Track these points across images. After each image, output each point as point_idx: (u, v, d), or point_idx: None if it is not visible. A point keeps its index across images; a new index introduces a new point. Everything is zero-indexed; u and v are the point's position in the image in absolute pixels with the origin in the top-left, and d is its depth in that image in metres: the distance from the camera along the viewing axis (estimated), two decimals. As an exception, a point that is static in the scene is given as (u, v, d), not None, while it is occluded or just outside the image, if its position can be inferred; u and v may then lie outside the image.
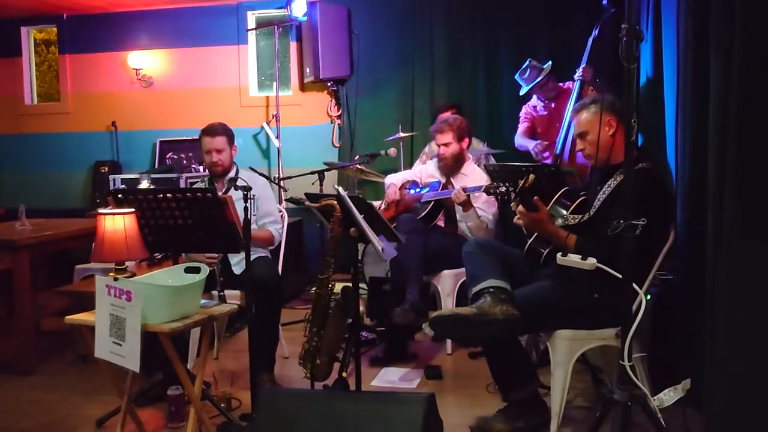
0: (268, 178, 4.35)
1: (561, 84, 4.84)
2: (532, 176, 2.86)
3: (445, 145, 4.24)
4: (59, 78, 7.20)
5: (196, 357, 3.61)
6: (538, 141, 4.83)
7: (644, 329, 2.81)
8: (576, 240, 2.80)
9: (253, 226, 3.87)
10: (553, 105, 4.86)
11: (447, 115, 4.82)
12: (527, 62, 4.81)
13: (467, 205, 4.02)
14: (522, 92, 4.91)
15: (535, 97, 4.98)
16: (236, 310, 3.12)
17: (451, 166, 4.28)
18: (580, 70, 4.51)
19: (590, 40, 4.51)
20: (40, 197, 6.89)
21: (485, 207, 4.19)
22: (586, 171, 4.30)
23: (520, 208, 2.93)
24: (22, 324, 4.01)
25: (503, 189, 3.10)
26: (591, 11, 4.66)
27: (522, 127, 5.08)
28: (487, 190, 3.47)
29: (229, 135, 3.96)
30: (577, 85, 4.55)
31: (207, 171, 4.06)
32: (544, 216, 2.88)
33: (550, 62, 4.80)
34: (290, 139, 6.41)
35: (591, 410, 3.23)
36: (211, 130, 3.93)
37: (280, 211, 4.15)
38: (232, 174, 3.94)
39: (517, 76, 4.89)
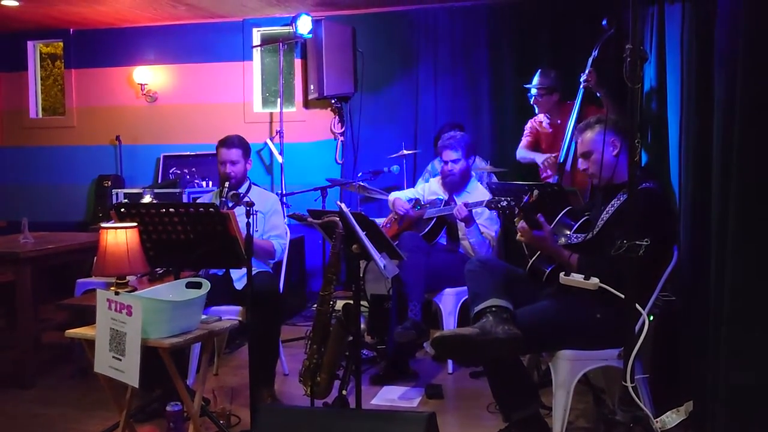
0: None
1: (567, 102, 4.82)
2: (536, 192, 2.86)
3: (453, 161, 4.25)
4: (64, 92, 7.24)
5: (195, 373, 3.60)
6: (549, 155, 4.80)
7: (647, 350, 2.80)
8: (578, 259, 2.80)
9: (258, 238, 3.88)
10: (558, 122, 4.85)
11: (452, 132, 4.82)
12: (539, 69, 4.83)
13: (469, 221, 4.03)
14: (530, 91, 4.88)
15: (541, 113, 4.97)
16: (237, 325, 3.11)
17: (458, 183, 4.28)
18: (585, 74, 4.49)
19: (590, 60, 4.52)
20: (43, 210, 6.90)
21: (488, 224, 4.19)
22: (586, 187, 4.29)
23: (523, 224, 2.93)
24: (23, 337, 4.00)
25: (504, 204, 3.09)
26: (594, 31, 4.68)
27: (525, 141, 5.07)
28: (489, 205, 3.47)
29: (245, 148, 4.00)
30: (580, 92, 4.52)
31: (219, 183, 4.06)
32: (546, 234, 2.87)
33: (553, 81, 4.80)
34: (293, 155, 6.42)
35: (592, 431, 3.21)
36: (227, 142, 3.97)
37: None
38: (243, 188, 3.95)
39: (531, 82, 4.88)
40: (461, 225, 4.15)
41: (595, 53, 4.46)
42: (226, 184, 3.83)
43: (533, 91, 4.81)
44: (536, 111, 4.91)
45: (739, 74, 2.28)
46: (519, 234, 2.98)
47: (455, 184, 4.30)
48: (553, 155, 4.71)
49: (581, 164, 3.07)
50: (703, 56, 2.76)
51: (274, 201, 4.12)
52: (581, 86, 4.47)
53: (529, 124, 5.08)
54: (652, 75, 3.77)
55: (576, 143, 3.21)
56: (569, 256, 2.82)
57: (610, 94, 4.22)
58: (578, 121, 4.25)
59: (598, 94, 4.37)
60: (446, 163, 4.29)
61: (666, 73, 3.47)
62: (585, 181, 4.19)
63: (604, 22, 4.36)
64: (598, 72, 4.38)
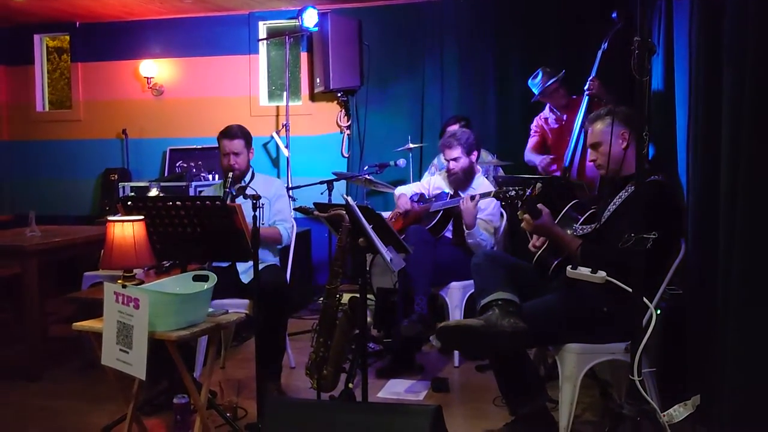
0: None
1: (572, 96, 4.81)
2: (539, 185, 2.85)
3: (454, 160, 4.23)
4: (71, 85, 7.25)
5: (202, 366, 3.60)
6: (545, 156, 4.81)
7: (654, 344, 2.79)
8: (581, 247, 2.78)
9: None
10: (564, 117, 4.84)
11: (454, 128, 4.82)
12: (540, 70, 4.79)
13: (471, 225, 3.99)
14: (534, 98, 4.89)
15: (547, 108, 4.95)
16: (244, 319, 3.11)
17: (462, 181, 4.27)
18: (589, 83, 4.50)
19: (599, 53, 4.50)
20: (50, 204, 6.93)
21: (490, 219, 4.17)
22: (594, 184, 4.28)
23: (527, 216, 2.92)
24: (30, 330, 4.01)
25: (512, 193, 3.08)
26: (601, 24, 4.66)
27: (532, 141, 5.06)
28: (496, 195, 3.47)
29: (247, 138, 3.94)
30: (585, 99, 4.53)
31: (222, 174, 4.02)
32: (547, 220, 2.87)
33: (563, 71, 4.78)
34: (299, 148, 6.42)
35: (599, 425, 3.20)
36: (229, 133, 3.90)
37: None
38: (247, 178, 3.93)
39: (529, 82, 4.86)
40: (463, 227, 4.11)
41: (604, 46, 4.45)
42: (230, 175, 3.77)
43: (541, 90, 4.79)
44: (555, 112, 4.90)
45: (747, 67, 2.27)
46: (523, 222, 2.97)
47: (459, 182, 4.29)
48: (549, 157, 4.73)
49: (590, 155, 3.05)
50: (711, 49, 2.74)
51: (278, 186, 4.10)
52: (585, 94, 4.47)
53: (535, 122, 5.07)
54: (660, 68, 3.75)
55: (585, 134, 3.20)
56: (577, 245, 2.82)
57: (617, 100, 4.22)
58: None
59: (604, 101, 4.36)
60: (448, 161, 4.28)
61: (674, 65, 3.45)
62: (594, 178, 4.20)
63: (613, 15, 4.34)
64: (602, 79, 4.38)
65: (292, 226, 4.06)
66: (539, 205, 2.88)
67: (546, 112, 4.99)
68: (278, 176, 6.53)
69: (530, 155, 5.02)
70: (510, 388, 3.06)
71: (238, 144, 3.88)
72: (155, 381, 3.43)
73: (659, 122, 3.72)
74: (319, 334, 2.95)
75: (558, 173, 4.71)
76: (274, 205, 3.97)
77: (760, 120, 2.23)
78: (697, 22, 2.93)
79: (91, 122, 7.12)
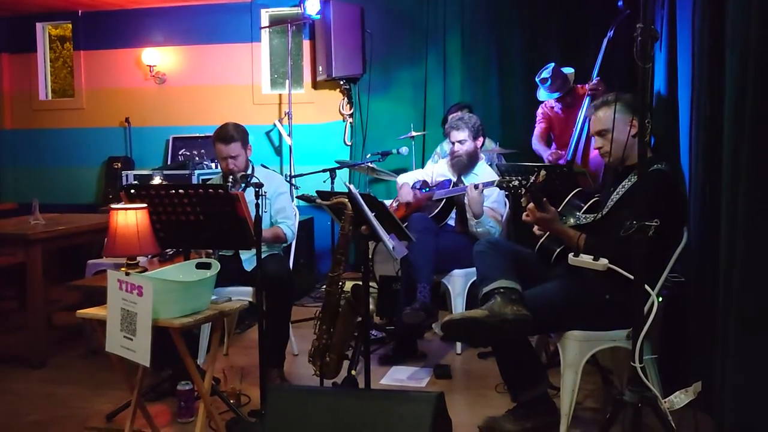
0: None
1: (578, 86, 4.80)
2: (543, 172, 2.84)
3: (460, 142, 4.22)
4: (73, 74, 7.26)
5: (206, 353, 3.62)
6: (553, 150, 4.80)
7: (656, 331, 2.80)
8: (585, 239, 2.78)
9: (267, 222, 3.87)
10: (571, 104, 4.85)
11: (457, 115, 4.81)
12: (551, 69, 4.73)
13: (479, 213, 3.99)
14: (541, 97, 4.88)
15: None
16: (247, 306, 3.13)
17: (466, 165, 4.26)
18: (593, 82, 4.49)
19: (605, 41, 4.48)
20: (54, 192, 6.95)
21: (495, 206, 4.17)
22: (599, 175, 4.28)
23: (530, 205, 2.91)
24: (34, 317, 4.04)
25: (516, 183, 3.07)
26: (606, 12, 4.64)
27: (538, 128, 5.05)
28: (500, 184, 3.47)
29: (244, 138, 3.84)
30: (587, 99, 4.52)
31: (222, 175, 3.97)
32: (551, 216, 2.86)
33: (572, 71, 4.75)
34: (302, 136, 6.42)
35: (601, 412, 3.22)
36: (224, 137, 3.78)
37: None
38: (247, 172, 3.90)
39: (537, 80, 4.83)
40: (470, 215, 4.10)
41: (610, 34, 4.44)
42: (230, 178, 3.64)
43: (545, 91, 4.79)
44: (557, 101, 4.90)
45: (750, 55, 2.25)
46: (525, 213, 2.97)
47: (463, 165, 4.27)
48: (558, 151, 4.73)
49: (596, 143, 3.04)
50: (713, 34, 2.73)
51: (278, 182, 4.06)
52: (588, 94, 4.45)
53: (540, 110, 5.07)
54: (663, 55, 3.74)
55: (589, 121, 3.18)
56: (577, 237, 2.81)
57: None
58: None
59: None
60: (453, 144, 4.27)
61: (676, 53, 3.43)
62: (598, 169, 4.19)
63: (619, 3, 4.32)
64: (608, 68, 4.37)
65: (295, 215, 4.05)
66: (545, 202, 2.87)
67: (551, 101, 4.99)
68: (281, 164, 6.54)
69: (537, 145, 5.02)
70: (512, 374, 3.07)
71: (234, 147, 3.78)
72: (159, 368, 3.46)
73: (662, 111, 3.71)
74: (322, 322, 2.96)
75: (562, 160, 4.71)
76: (276, 204, 3.93)
77: (762, 107, 2.22)
78: (700, 8, 2.92)
79: (94, 111, 7.13)
